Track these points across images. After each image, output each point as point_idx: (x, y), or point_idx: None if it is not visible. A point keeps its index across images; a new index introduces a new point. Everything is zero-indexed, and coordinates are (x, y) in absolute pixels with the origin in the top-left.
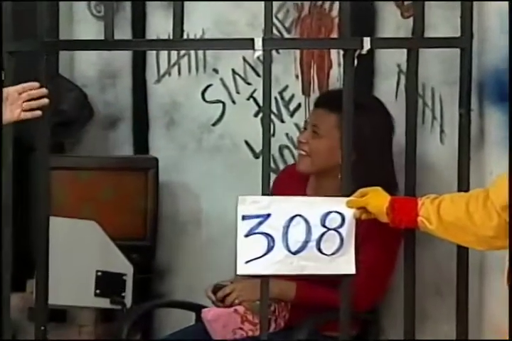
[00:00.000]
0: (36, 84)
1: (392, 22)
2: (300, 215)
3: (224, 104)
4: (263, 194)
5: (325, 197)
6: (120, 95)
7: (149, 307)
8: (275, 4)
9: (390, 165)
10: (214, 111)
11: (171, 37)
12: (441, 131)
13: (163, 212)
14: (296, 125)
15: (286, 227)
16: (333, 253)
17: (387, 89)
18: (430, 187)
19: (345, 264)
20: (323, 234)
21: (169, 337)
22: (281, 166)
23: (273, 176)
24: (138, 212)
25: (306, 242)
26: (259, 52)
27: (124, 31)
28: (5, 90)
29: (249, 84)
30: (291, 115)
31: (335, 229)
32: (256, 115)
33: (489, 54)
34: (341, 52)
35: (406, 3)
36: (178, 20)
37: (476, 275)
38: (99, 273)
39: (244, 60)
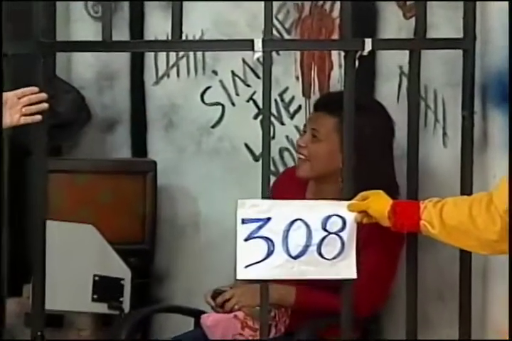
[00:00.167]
0: (36, 88)
1: (393, 23)
2: (300, 219)
3: (223, 106)
4: (263, 197)
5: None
6: (118, 97)
7: (148, 313)
8: (275, 5)
9: (390, 168)
10: (213, 113)
11: (170, 38)
12: (444, 134)
13: (161, 215)
14: (297, 127)
15: (287, 231)
16: (334, 258)
17: (389, 91)
18: (432, 191)
19: (347, 269)
20: (323, 238)
21: None
22: (282, 169)
23: (273, 179)
24: (136, 215)
25: (306, 246)
26: (258, 54)
27: (121, 32)
28: (4, 94)
29: (248, 86)
30: (292, 117)
31: (336, 233)
32: (256, 117)
33: (492, 55)
34: (342, 53)
35: (408, 3)
36: (177, 20)
37: (480, 279)
38: (97, 278)
39: (244, 61)
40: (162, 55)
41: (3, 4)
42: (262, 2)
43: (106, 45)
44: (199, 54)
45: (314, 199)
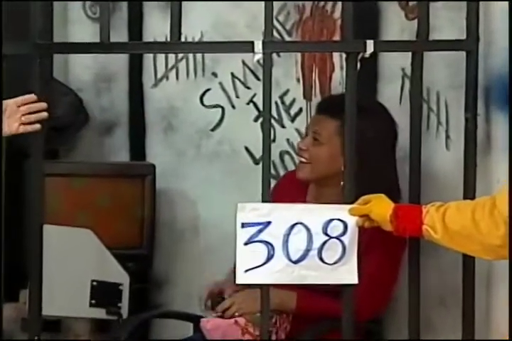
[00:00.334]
0: (35, 96)
1: (396, 24)
2: (301, 223)
3: (223, 108)
4: (263, 201)
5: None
6: (116, 100)
7: (146, 318)
8: (276, 6)
9: (392, 171)
10: (213, 116)
11: (169, 39)
12: (447, 137)
13: (160, 219)
14: (297, 130)
15: (287, 235)
16: (335, 262)
17: (391, 93)
18: (435, 195)
19: (348, 274)
20: (324, 243)
21: None
22: (282, 172)
23: (273, 182)
24: (134, 219)
25: (307, 251)
26: (259, 56)
27: (120, 33)
28: (4, 102)
29: (248, 88)
30: (292, 120)
31: (337, 238)
32: (256, 120)
33: (496, 57)
34: (344, 55)
35: (410, 4)
36: (176, 21)
37: (483, 285)
38: (95, 283)
39: (244, 63)
40: (161, 57)
41: (3, 4)
42: (262, 3)
43: (104, 46)
44: (198, 56)
45: (315, 203)
